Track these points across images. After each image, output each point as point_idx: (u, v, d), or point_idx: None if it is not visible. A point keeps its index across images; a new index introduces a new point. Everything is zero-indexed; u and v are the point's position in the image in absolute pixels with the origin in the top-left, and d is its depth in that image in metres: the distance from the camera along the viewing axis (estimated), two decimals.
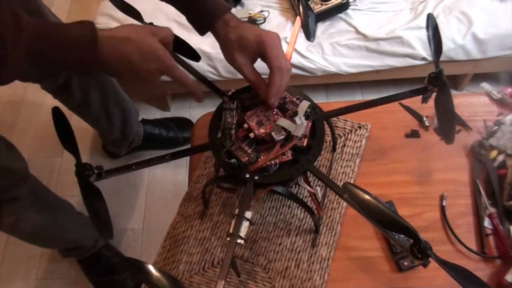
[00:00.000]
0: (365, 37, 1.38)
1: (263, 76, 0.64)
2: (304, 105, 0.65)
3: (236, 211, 0.57)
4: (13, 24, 0.47)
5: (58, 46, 0.50)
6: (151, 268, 0.50)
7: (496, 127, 0.80)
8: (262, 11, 1.44)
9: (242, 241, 0.55)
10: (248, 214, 0.57)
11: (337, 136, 0.82)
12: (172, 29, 0.67)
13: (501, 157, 0.76)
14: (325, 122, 0.67)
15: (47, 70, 0.52)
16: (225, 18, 0.62)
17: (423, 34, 1.31)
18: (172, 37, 0.59)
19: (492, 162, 0.76)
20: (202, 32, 0.64)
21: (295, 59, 1.39)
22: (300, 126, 0.62)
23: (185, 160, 0.84)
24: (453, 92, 0.89)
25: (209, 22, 0.62)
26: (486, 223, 0.72)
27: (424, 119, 0.84)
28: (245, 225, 0.56)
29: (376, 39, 1.37)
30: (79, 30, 0.51)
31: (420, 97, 0.66)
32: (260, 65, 0.64)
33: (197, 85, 0.60)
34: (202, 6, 0.62)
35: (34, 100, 1.74)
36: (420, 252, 0.49)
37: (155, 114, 1.64)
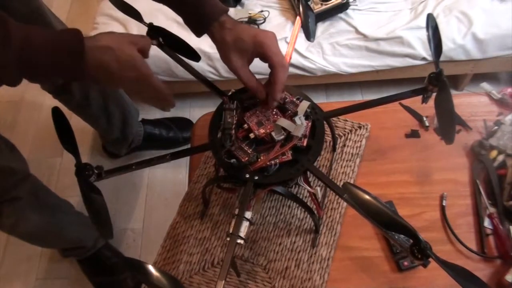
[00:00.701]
0: (365, 37, 1.38)
1: (263, 77, 0.64)
2: (304, 105, 0.65)
3: (236, 211, 0.57)
4: (1, 29, 0.47)
5: (46, 53, 0.51)
6: (151, 268, 0.50)
7: (496, 127, 0.80)
8: (262, 11, 1.44)
9: (242, 241, 0.55)
10: (248, 214, 0.57)
11: (337, 136, 0.82)
12: (172, 29, 0.68)
13: (501, 157, 0.76)
14: (325, 122, 0.67)
15: (33, 76, 0.53)
16: (221, 20, 0.62)
17: (423, 34, 1.31)
18: (149, 46, 0.61)
19: (492, 162, 0.76)
20: (198, 34, 0.64)
21: (295, 59, 1.39)
22: (300, 126, 0.62)
23: (185, 160, 0.84)
24: (453, 92, 0.89)
25: (205, 24, 0.62)
26: (486, 223, 0.72)
27: (424, 119, 0.84)
28: (245, 225, 0.56)
29: (376, 39, 1.37)
30: (67, 38, 0.52)
31: (420, 97, 0.66)
32: (262, 65, 0.64)
33: (170, 95, 0.62)
34: (198, 8, 0.62)
35: (34, 100, 1.74)
36: (420, 252, 0.49)
37: (155, 114, 1.64)
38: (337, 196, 0.75)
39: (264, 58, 0.62)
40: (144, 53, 0.60)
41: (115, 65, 0.55)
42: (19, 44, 0.48)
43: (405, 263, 0.69)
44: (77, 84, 1.15)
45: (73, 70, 0.53)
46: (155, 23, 0.68)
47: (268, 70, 0.63)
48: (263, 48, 0.60)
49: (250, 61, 0.63)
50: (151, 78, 0.59)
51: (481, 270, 0.68)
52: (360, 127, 0.83)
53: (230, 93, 0.68)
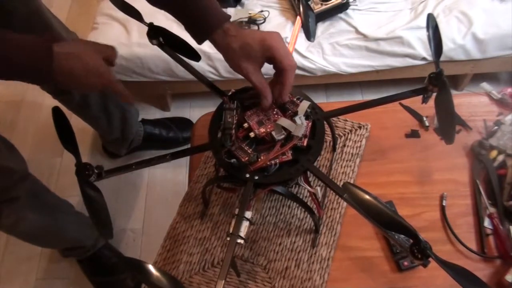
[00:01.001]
0: (365, 37, 1.38)
1: (266, 77, 0.64)
2: (304, 105, 0.64)
3: (236, 211, 0.57)
4: None
5: (16, 56, 0.54)
6: (151, 268, 0.50)
7: (496, 127, 0.80)
8: (262, 11, 1.44)
9: (242, 241, 0.55)
10: (248, 214, 0.57)
11: (337, 136, 0.82)
12: (172, 29, 0.68)
13: (501, 157, 0.76)
14: (325, 122, 0.67)
15: (1, 77, 0.56)
16: (225, 28, 0.61)
17: (423, 34, 1.31)
18: (115, 55, 0.66)
19: (492, 162, 0.76)
20: (200, 41, 0.64)
21: (295, 59, 1.38)
22: (301, 126, 0.62)
23: (185, 160, 0.84)
24: (453, 92, 0.89)
25: (207, 31, 0.62)
26: (486, 223, 0.72)
27: (424, 119, 0.84)
28: (245, 225, 0.56)
29: (376, 39, 1.37)
30: (37, 44, 0.56)
31: (420, 97, 0.66)
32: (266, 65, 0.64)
33: (132, 96, 0.69)
34: (201, 16, 0.62)
35: (34, 100, 1.74)
36: (420, 252, 0.49)
37: (155, 114, 1.64)
38: (337, 196, 0.75)
39: (272, 62, 0.61)
40: (110, 62, 0.65)
41: (81, 71, 0.59)
42: None
43: (405, 263, 0.69)
44: None
45: (40, 74, 0.57)
46: (156, 23, 0.68)
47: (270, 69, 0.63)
48: (271, 52, 0.60)
49: (261, 66, 0.63)
50: (114, 84, 0.64)
51: (481, 270, 0.68)
52: (360, 127, 0.83)
53: (230, 93, 0.68)
